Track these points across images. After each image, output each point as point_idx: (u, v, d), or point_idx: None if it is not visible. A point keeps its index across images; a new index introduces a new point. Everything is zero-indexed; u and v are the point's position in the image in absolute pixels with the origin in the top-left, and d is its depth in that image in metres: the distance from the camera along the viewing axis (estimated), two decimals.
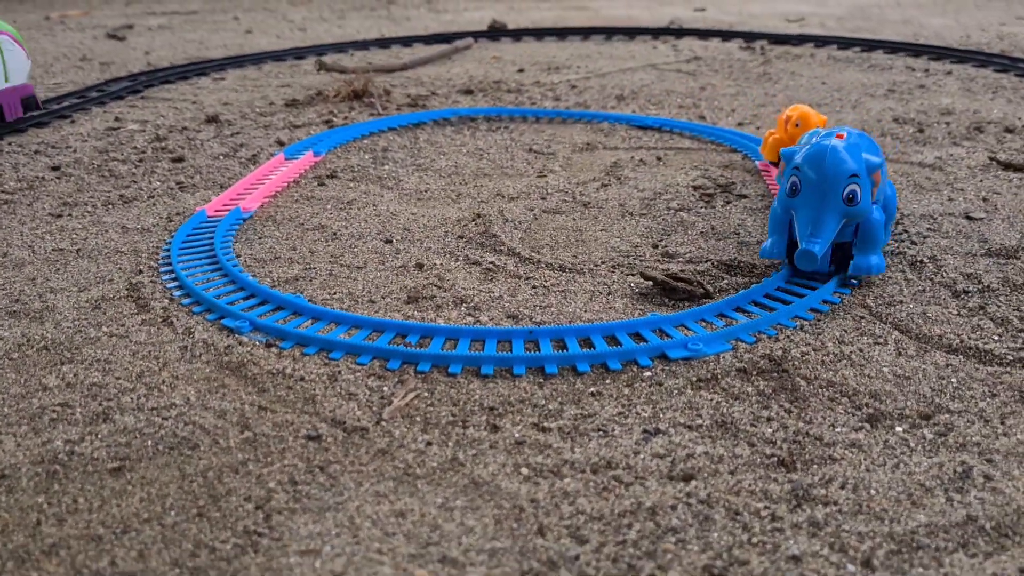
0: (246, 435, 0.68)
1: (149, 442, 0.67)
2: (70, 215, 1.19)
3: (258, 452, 0.66)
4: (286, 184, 1.30)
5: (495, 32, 2.87)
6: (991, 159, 1.38)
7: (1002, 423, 0.69)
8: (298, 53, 2.54)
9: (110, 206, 1.22)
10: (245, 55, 2.47)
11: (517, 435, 0.68)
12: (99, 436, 0.68)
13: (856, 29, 2.92)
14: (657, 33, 2.82)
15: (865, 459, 0.65)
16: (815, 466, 0.64)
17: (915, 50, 2.39)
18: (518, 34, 2.86)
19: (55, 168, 1.40)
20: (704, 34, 2.78)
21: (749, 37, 2.72)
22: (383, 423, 0.70)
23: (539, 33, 2.87)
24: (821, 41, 2.57)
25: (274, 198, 1.25)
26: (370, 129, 1.61)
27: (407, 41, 2.74)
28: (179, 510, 0.60)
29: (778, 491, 0.61)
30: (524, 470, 0.64)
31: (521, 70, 2.27)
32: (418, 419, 0.71)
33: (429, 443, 0.67)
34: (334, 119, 1.73)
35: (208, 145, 1.53)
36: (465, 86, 2.04)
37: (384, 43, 2.71)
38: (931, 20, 3.11)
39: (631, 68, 2.27)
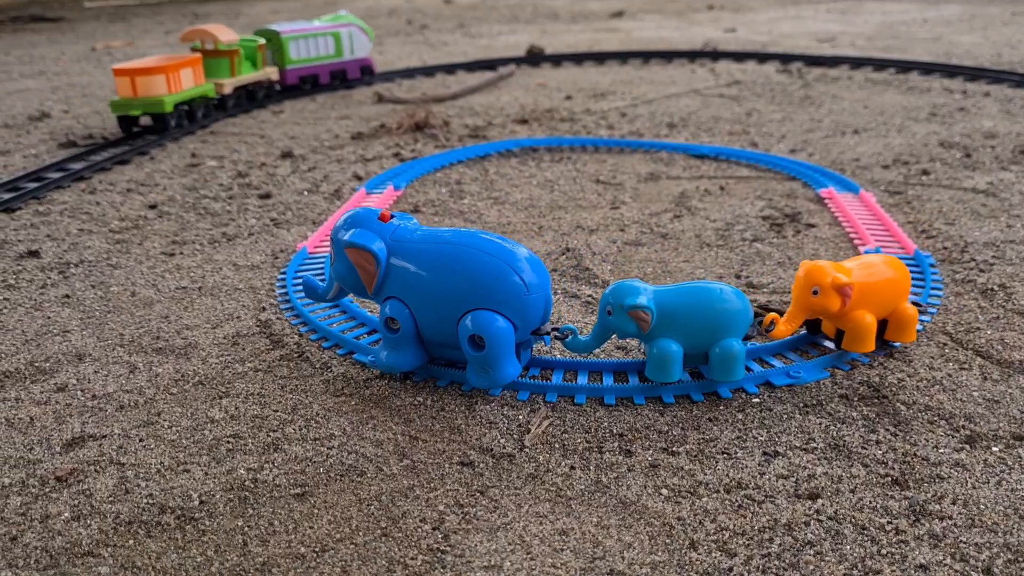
0: (405, 463, 0.76)
1: (321, 469, 0.75)
2: (182, 253, 1.27)
3: (420, 478, 0.74)
4: None
5: (534, 57, 2.96)
6: None
7: None
8: (347, 84, 2.63)
9: (216, 244, 1.31)
10: (296, 85, 2.55)
11: (651, 458, 0.76)
12: (275, 464, 0.76)
13: (887, 48, 2.99)
14: (693, 56, 2.89)
15: (970, 477, 0.72)
16: (926, 484, 0.71)
17: (950, 71, 2.45)
18: (557, 59, 2.95)
19: (152, 207, 1.49)
20: (740, 57, 2.85)
21: (785, 59, 2.79)
22: (526, 449, 0.78)
23: (578, 58, 2.95)
24: (856, 63, 2.64)
25: None
26: (440, 162, 1.69)
27: (450, 68, 2.83)
28: (365, 531, 0.67)
29: (897, 507, 0.68)
30: (664, 491, 0.71)
31: (569, 97, 2.35)
32: (557, 445, 0.78)
33: (572, 467, 0.75)
34: (402, 152, 1.81)
35: (289, 181, 1.62)
36: (519, 115, 2.12)
37: (428, 71, 2.80)
38: (960, 38, 3.18)
39: (675, 94, 2.35)
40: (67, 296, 1.12)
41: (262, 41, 2.31)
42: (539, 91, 2.45)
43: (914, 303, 0.99)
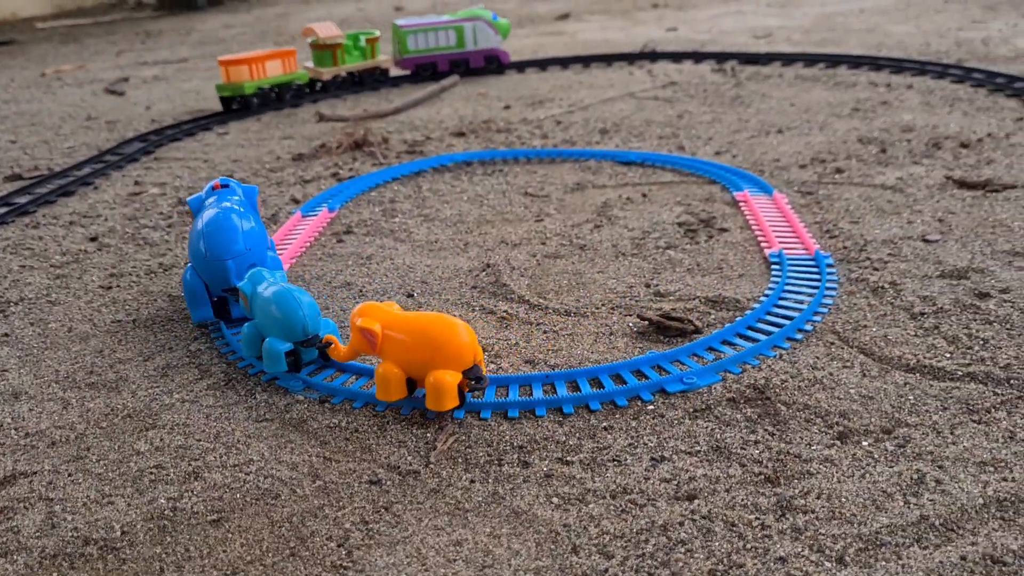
0: (318, 483, 0.81)
1: (238, 495, 0.80)
2: (118, 286, 1.31)
3: (330, 498, 0.79)
4: (308, 243, 1.43)
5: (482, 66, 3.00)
6: (947, 178, 1.52)
7: (951, 433, 0.82)
8: (293, 102, 2.67)
9: (153, 275, 1.35)
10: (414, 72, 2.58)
11: (545, 469, 0.81)
12: (195, 492, 0.81)
13: (821, 42, 3.07)
14: (633, 59, 2.96)
15: (837, 471, 0.78)
16: (796, 480, 0.77)
17: (877, 64, 2.53)
18: (499, 67, 2.99)
19: (93, 239, 1.53)
20: (677, 57, 2.92)
21: (720, 58, 2.86)
22: (431, 465, 0.83)
23: (520, 65, 3.01)
24: (788, 59, 2.71)
25: (300, 257, 1.38)
26: (377, 180, 1.74)
27: (396, 81, 2.87)
28: (275, 552, 0.73)
29: (766, 503, 0.75)
30: (555, 499, 0.77)
31: (507, 106, 2.40)
32: (460, 460, 0.84)
33: (472, 480, 0.80)
34: (340, 171, 1.86)
35: None
36: (457, 128, 2.17)
37: (374, 85, 2.84)
38: (894, 27, 3.26)
39: (611, 98, 2.41)
40: (6, 335, 1.17)
41: (374, 34, 2.78)
42: (479, 101, 2.50)
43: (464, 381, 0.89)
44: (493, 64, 2.86)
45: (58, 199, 1.79)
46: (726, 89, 2.43)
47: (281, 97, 2.59)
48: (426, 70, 2.83)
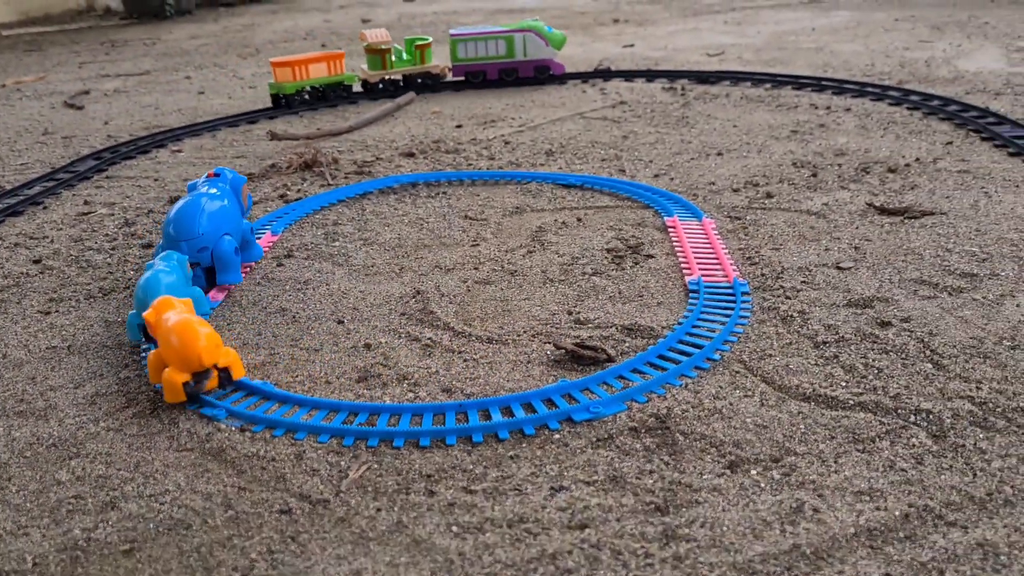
0: (229, 513, 0.84)
1: (151, 525, 0.83)
2: (57, 311, 1.34)
3: (240, 528, 0.82)
4: (248, 267, 1.46)
5: (435, 84, 3.04)
6: (868, 204, 1.57)
7: (835, 462, 0.87)
8: (251, 117, 2.69)
9: (92, 300, 1.38)
10: (199, 123, 2.62)
11: (450, 498, 0.85)
12: (110, 523, 0.84)
13: (771, 61, 3.13)
14: (587, 77, 3.01)
15: (723, 500, 0.82)
16: (683, 509, 0.82)
17: (820, 85, 2.60)
18: (458, 84, 3.03)
19: (37, 261, 1.55)
20: (630, 75, 2.97)
21: (672, 76, 2.91)
22: (341, 494, 0.87)
23: (476, 84, 3.04)
24: (735, 79, 2.77)
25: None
26: (323, 202, 1.78)
27: (353, 99, 2.90)
28: None
29: (653, 532, 0.79)
30: (455, 528, 0.81)
31: (459, 125, 2.44)
32: (370, 489, 0.87)
33: (379, 509, 0.84)
34: (288, 193, 1.89)
35: None
36: (407, 148, 2.21)
37: (332, 102, 2.87)
38: (842, 47, 3.33)
39: (560, 118, 2.45)
40: None
41: (426, 41, 2.91)
42: (433, 120, 2.54)
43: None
44: (544, 74, 2.95)
45: (6, 219, 1.81)
46: (673, 109, 2.48)
47: (326, 97, 2.81)
48: (476, 77, 2.96)
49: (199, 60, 4.08)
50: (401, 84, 2.95)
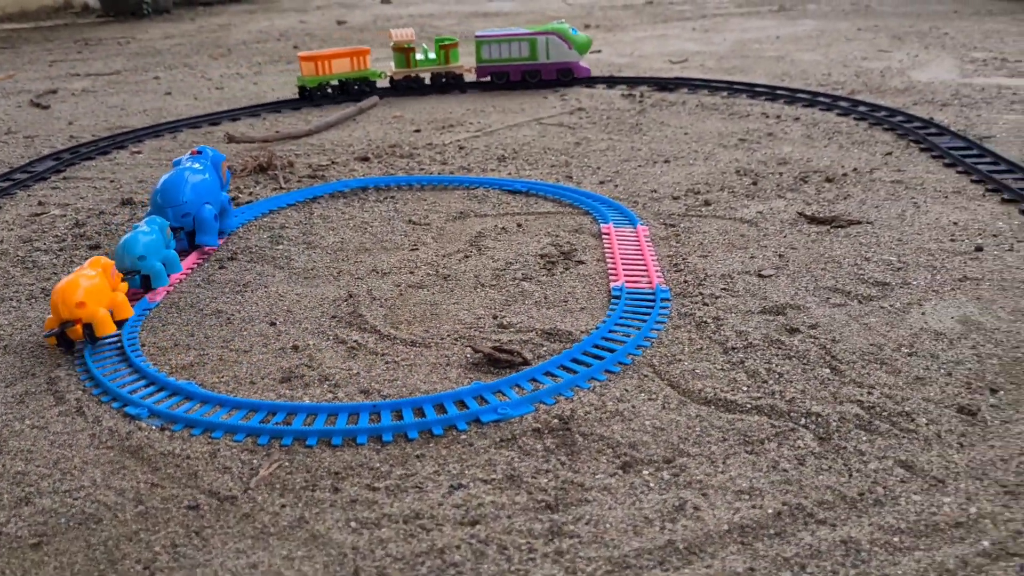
0: (139, 508, 0.88)
1: (62, 520, 0.87)
2: None
3: (148, 522, 0.86)
4: (190, 269, 1.49)
5: (403, 87, 3.07)
6: (799, 213, 1.62)
7: (723, 463, 0.91)
8: (213, 119, 2.72)
9: (33, 300, 1.40)
10: (162, 124, 2.65)
11: (353, 494, 0.89)
12: (21, 517, 0.87)
13: (732, 69, 3.18)
14: (550, 83, 3.04)
15: (611, 499, 0.86)
16: (572, 507, 0.86)
17: (774, 94, 2.64)
18: (422, 89, 3.07)
19: None
20: (591, 81, 3.01)
21: (633, 83, 2.96)
22: (250, 491, 0.90)
23: (441, 87, 3.08)
24: (693, 87, 2.82)
25: (180, 283, 1.44)
26: (273, 206, 1.81)
27: (317, 102, 2.93)
28: (85, 574, 0.79)
29: (540, 528, 0.83)
30: (353, 523, 0.85)
31: (418, 130, 2.48)
32: (278, 486, 0.91)
33: (284, 505, 0.88)
34: (240, 196, 1.92)
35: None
36: (363, 152, 2.24)
37: (296, 104, 2.91)
38: (803, 55, 3.38)
39: (518, 124, 2.49)
40: None
41: (452, 41, 2.98)
42: (393, 124, 2.57)
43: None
44: (567, 77, 2.97)
45: None
46: (629, 116, 2.52)
47: (347, 91, 2.92)
48: (500, 78, 2.99)
49: (170, 60, 4.10)
50: (427, 82, 3.02)
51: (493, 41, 2.97)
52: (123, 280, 1.31)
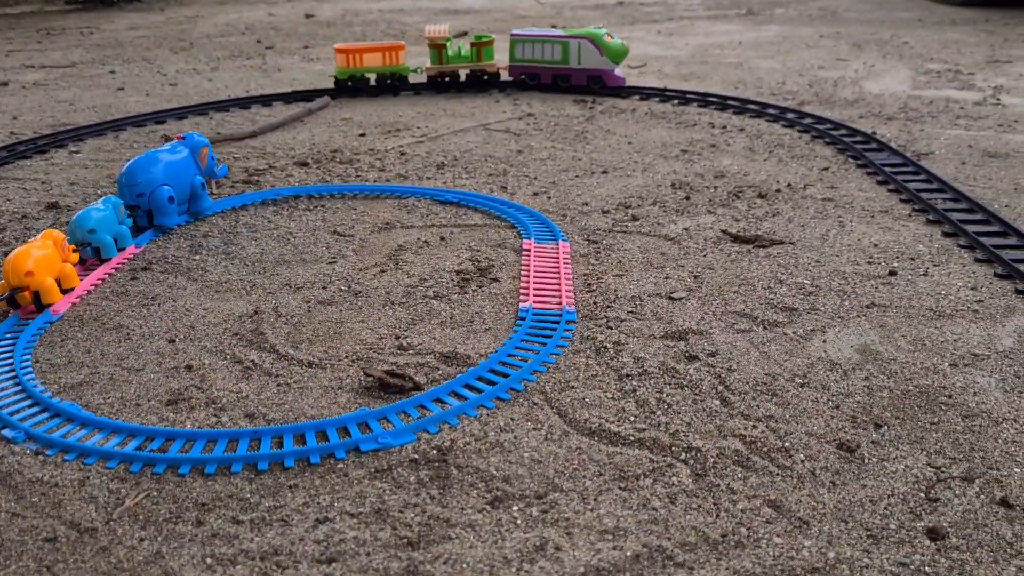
0: None
1: None
2: None
3: (0, 556, 0.84)
4: (101, 280, 1.47)
5: (357, 88, 3.05)
6: (723, 231, 1.61)
7: (595, 499, 0.90)
8: (160, 117, 2.69)
9: None
10: (107, 121, 2.61)
11: (215, 528, 0.87)
12: None
13: (689, 75, 3.17)
14: (505, 87, 3.03)
15: (474, 537, 0.85)
16: (434, 545, 0.84)
17: (724, 104, 2.64)
18: (377, 89, 3.04)
19: None
20: (624, 92, 2.97)
21: (670, 97, 2.94)
22: (112, 523, 0.88)
23: (395, 88, 3.06)
24: (646, 94, 2.81)
25: (88, 294, 1.42)
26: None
27: (267, 100, 2.91)
28: None
29: (397, 567, 0.81)
30: (208, 560, 0.83)
31: (363, 134, 2.46)
32: (141, 517, 0.89)
33: (143, 539, 0.86)
34: None
35: None
36: (304, 157, 2.22)
37: (245, 103, 2.88)
38: (761, 63, 3.38)
39: (464, 129, 2.48)
40: None
41: (486, 39, 2.94)
42: (340, 127, 2.55)
43: None
44: (597, 85, 2.86)
45: None
46: (577, 123, 2.51)
47: (379, 85, 2.96)
48: (532, 79, 2.94)
49: (130, 53, 4.06)
50: (461, 79, 2.98)
51: (527, 41, 2.91)
52: (75, 251, 1.43)
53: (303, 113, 2.70)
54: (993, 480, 0.91)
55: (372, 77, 2.97)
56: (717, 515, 0.87)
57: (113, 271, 1.51)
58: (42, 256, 1.33)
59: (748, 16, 4.84)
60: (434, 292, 1.39)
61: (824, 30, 4.15)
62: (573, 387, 1.11)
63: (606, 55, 2.81)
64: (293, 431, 1.02)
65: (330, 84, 3.00)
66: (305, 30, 4.76)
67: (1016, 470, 0.92)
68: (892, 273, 1.40)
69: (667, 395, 1.08)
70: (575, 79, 2.88)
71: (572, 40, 2.84)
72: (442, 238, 1.64)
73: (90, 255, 1.52)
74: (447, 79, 2.99)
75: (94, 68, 3.70)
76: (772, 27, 4.33)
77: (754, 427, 1.01)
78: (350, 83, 2.93)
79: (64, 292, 1.36)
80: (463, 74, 3.00)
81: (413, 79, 3.03)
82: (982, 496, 0.88)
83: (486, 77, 2.99)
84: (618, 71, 2.85)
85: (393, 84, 2.97)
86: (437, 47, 2.94)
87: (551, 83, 2.92)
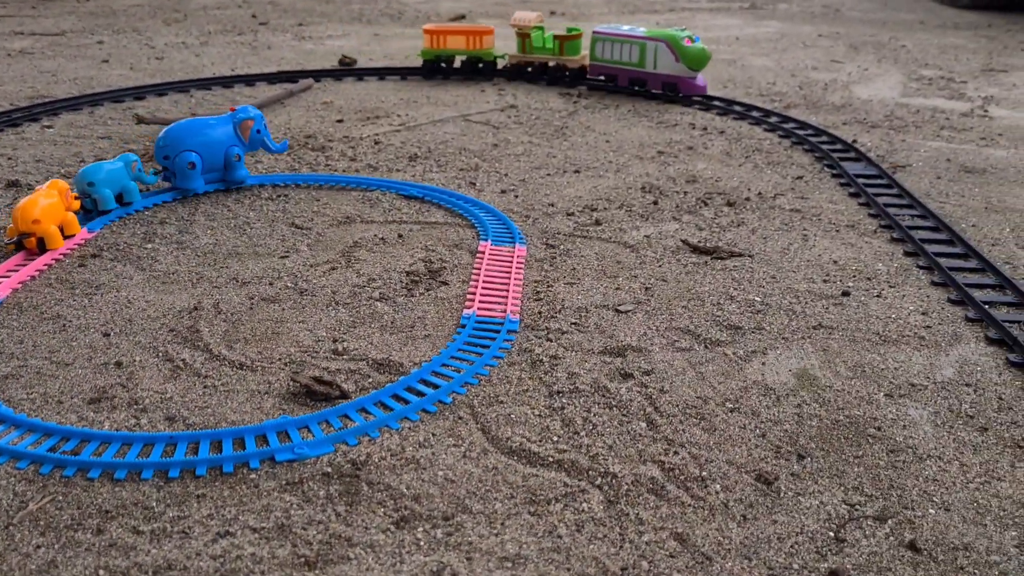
0: None
1: None
2: None
3: None
4: (46, 266, 1.45)
5: (342, 70, 3.03)
6: (683, 241, 1.59)
7: (502, 524, 0.89)
8: (140, 93, 2.67)
9: None
10: (85, 95, 2.59)
11: (114, 537, 0.86)
12: None
13: None
14: (493, 76, 3.00)
15: (372, 558, 0.84)
16: (331, 565, 0.83)
17: (709, 103, 2.61)
18: (360, 73, 3.02)
19: None
20: (532, 77, 2.96)
21: (571, 81, 2.91)
22: (11, 527, 0.87)
23: (381, 72, 3.03)
24: (632, 90, 2.78)
25: (33, 280, 1.41)
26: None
27: (251, 80, 2.88)
28: None
29: None
30: (101, 572, 0.82)
31: (340, 120, 2.43)
32: (42, 523, 0.88)
33: (39, 546, 0.85)
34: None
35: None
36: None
37: (228, 82, 2.85)
38: (755, 61, 3.34)
39: (444, 119, 2.45)
40: None
41: (573, 31, 2.82)
42: (318, 111, 2.53)
43: None
44: (672, 92, 2.65)
45: None
46: (558, 118, 2.48)
47: (464, 69, 2.94)
48: (611, 81, 2.78)
49: (122, 23, 4.03)
50: (542, 71, 2.88)
51: (607, 39, 2.74)
52: (76, 199, 1.57)
53: (284, 95, 2.68)
54: (905, 521, 0.89)
55: (459, 60, 2.93)
56: (621, 546, 0.86)
57: (62, 257, 1.50)
58: (48, 205, 1.46)
59: (751, 10, 4.79)
60: (380, 294, 1.38)
61: (824, 29, 4.11)
62: (502, 402, 1.09)
63: (682, 61, 2.59)
64: (211, 437, 1.00)
65: (313, 67, 2.98)
66: (303, 6, 4.72)
67: (931, 511, 0.91)
68: (845, 294, 1.39)
69: (594, 415, 1.06)
70: (651, 84, 2.68)
71: (650, 42, 2.64)
72: (400, 236, 1.62)
73: (89, 206, 1.63)
74: (529, 69, 2.89)
75: (83, 37, 3.68)
76: (772, 23, 4.29)
77: (675, 453, 0.99)
78: (431, 64, 2.93)
79: (66, 238, 1.51)
80: (545, 66, 2.88)
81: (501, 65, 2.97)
82: (891, 538, 0.87)
83: (567, 73, 2.86)
84: (700, 79, 2.64)
85: (481, 68, 2.93)
86: (522, 35, 2.84)
87: (627, 86, 2.74)
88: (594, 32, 2.77)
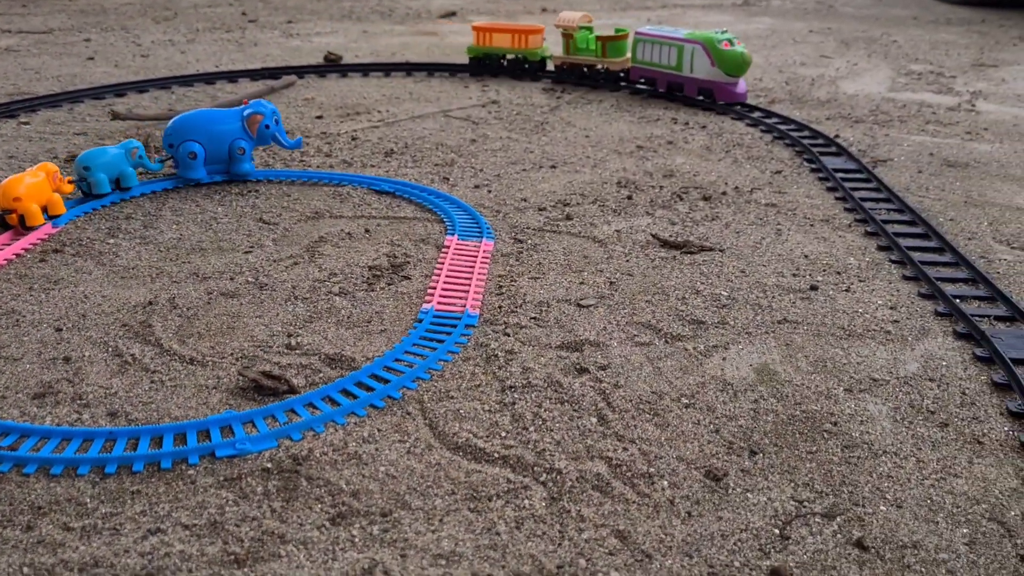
0: None
1: None
2: None
3: None
4: (7, 261, 1.44)
5: (327, 67, 3.01)
6: (653, 235, 1.57)
7: (440, 521, 0.87)
8: (120, 90, 2.66)
9: None
10: (66, 92, 2.58)
11: (43, 534, 0.85)
12: None
13: None
14: (477, 72, 2.98)
15: (304, 556, 0.82)
16: (261, 563, 0.81)
17: (687, 98, 2.58)
18: (348, 69, 3.00)
19: None
20: (516, 72, 2.94)
21: (556, 78, 2.89)
22: None
23: (365, 68, 3.02)
24: (616, 86, 2.76)
25: None
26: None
27: (234, 76, 2.87)
28: None
29: None
30: (26, 569, 0.80)
31: (320, 116, 2.42)
32: None
33: None
34: None
35: None
36: None
37: (211, 78, 2.84)
38: None
39: (424, 115, 2.43)
40: None
41: (622, 31, 2.73)
42: (299, 108, 2.51)
43: None
44: (708, 98, 2.51)
45: None
46: (539, 113, 2.47)
47: (510, 68, 2.93)
48: (650, 84, 2.66)
49: (111, 21, 4.02)
50: (586, 72, 2.81)
51: (648, 41, 2.61)
52: (70, 183, 1.62)
53: (265, 91, 2.66)
54: (855, 518, 0.87)
55: (507, 59, 2.92)
56: (560, 544, 0.83)
57: (24, 251, 1.48)
58: (32, 183, 1.52)
59: (744, 6, 4.77)
60: (340, 288, 1.36)
61: (816, 25, 4.08)
62: (452, 397, 1.07)
63: (718, 65, 2.44)
64: (151, 433, 0.99)
65: (298, 63, 2.96)
66: (294, 3, 4.71)
67: (882, 508, 0.89)
68: (813, 288, 1.36)
69: (545, 410, 1.04)
70: (687, 89, 2.54)
71: (687, 44, 2.49)
72: (367, 230, 1.60)
73: (85, 189, 1.68)
74: (585, 70, 2.80)
75: (70, 36, 3.67)
76: (764, 19, 4.26)
77: (624, 449, 0.97)
78: (476, 61, 2.93)
79: (50, 219, 1.56)
80: (591, 68, 2.80)
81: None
82: (838, 536, 0.85)
83: (604, 72, 2.76)
84: (741, 85, 2.47)
85: (528, 68, 2.89)
86: (567, 36, 2.77)
87: (666, 91, 2.61)
88: (636, 33, 2.65)
